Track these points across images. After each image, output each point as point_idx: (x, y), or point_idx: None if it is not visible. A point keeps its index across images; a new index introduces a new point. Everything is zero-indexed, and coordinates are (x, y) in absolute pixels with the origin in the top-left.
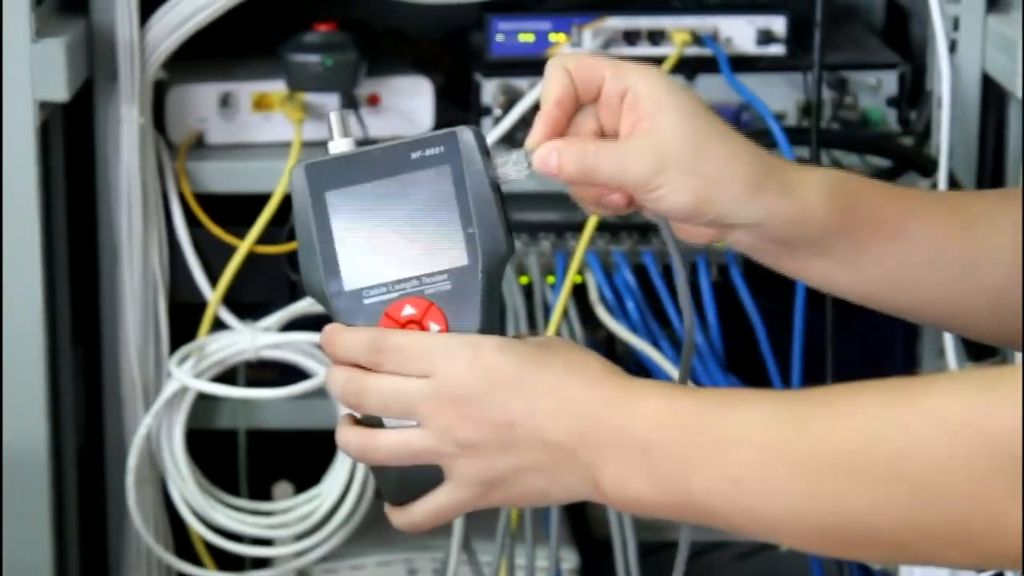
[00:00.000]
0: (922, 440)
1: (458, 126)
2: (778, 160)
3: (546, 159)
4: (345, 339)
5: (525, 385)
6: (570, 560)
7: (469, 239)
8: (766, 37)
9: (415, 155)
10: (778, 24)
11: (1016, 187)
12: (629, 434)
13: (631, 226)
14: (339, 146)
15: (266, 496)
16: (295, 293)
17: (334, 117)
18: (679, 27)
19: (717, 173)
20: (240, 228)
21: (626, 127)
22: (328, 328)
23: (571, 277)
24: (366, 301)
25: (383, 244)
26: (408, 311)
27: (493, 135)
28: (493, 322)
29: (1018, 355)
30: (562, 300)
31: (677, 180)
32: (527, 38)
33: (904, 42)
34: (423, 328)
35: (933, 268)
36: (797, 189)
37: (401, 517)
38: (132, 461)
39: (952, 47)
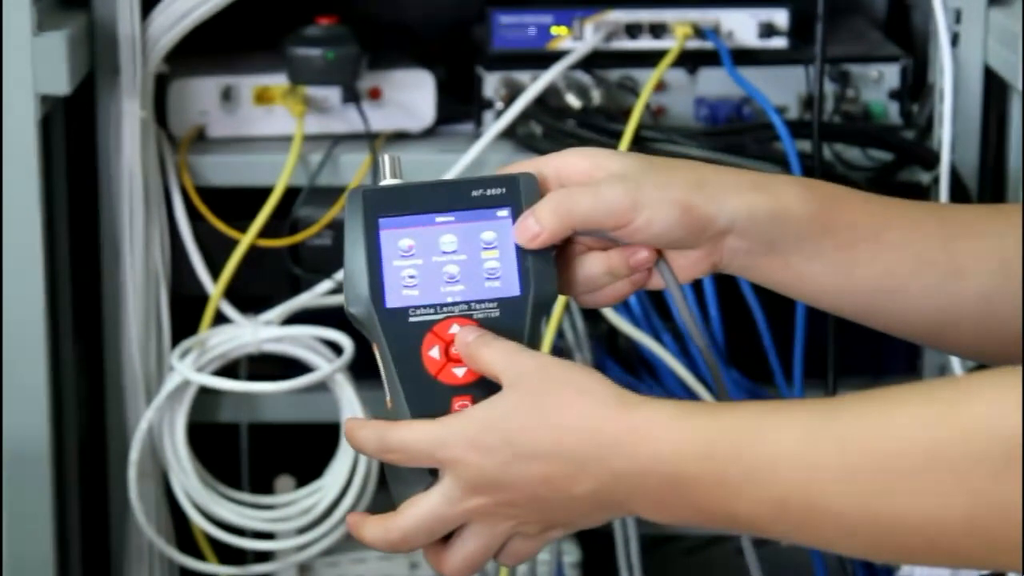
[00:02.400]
0: (981, 452)
1: (519, 172)
2: (739, 168)
3: (524, 224)
4: (357, 436)
5: (526, 459)
6: (572, 554)
7: (523, 273)
8: (768, 30)
9: (476, 193)
10: (780, 17)
11: (1001, 204)
12: (652, 475)
13: None
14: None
15: (268, 490)
16: (297, 287)
17: (386, 159)
18: (681, 20)
19: (690, 181)
20: (242, 222)
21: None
22: (348, 422)
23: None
24: (411, 319)
25: (433, 269)
26: (456, 330)
27: (495, 129)
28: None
29: None
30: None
31: (656, 196)
32: (529, 32)
33: (906, 35)
34: None
35: (918, 274)
36: (770, 184)
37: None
38: (134, 455)
39: (954, 40)
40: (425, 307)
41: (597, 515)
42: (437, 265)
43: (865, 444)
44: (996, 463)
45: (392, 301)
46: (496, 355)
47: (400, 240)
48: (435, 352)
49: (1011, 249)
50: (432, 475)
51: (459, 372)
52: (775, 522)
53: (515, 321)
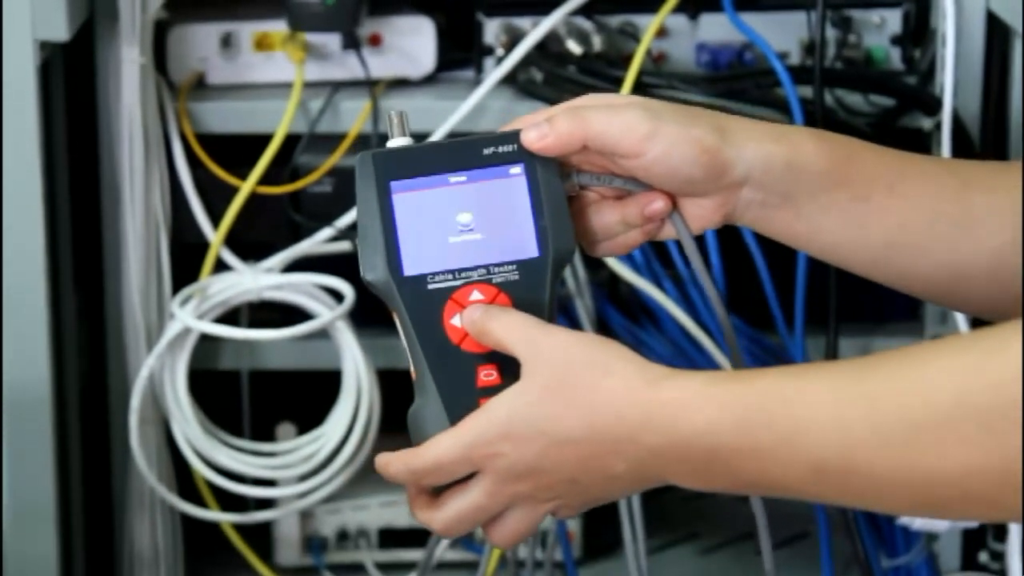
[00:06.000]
0: (1011, 402)
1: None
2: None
3: (537, 128)
4: (389, 474)
5: (563, 440)
6: None
7: (541, 233)
8: None
9: (487, 151)
10: None
11: (1012, 161)
12: (688, 447)
13: None
14: (399, 143)
15: (269, 437)
16: (297, 234)
17: (394, 117)
18: None
19: (710, 124)
20: (242, 169)
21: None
22: (377, 459)
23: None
24: (430, 286)
25: (449, 233)
26: (476, 296)
27: (495, 75)
28: (553, 315)
29: None
30: None
31: (676, 131)
32: None
33: None
34: None
35: (932, 229)
36: (786, 135)
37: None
38: (135, 402)
39: None
40: (443, 273)
41: (636, 488)
42: (453, 228)
43: (895, 400)
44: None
45: (409, 268)
46: (507, 330)
47: (414, 203)
48: (457, 320)
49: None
50: None
51: None
52: (813, 485)
53: (536, 283)
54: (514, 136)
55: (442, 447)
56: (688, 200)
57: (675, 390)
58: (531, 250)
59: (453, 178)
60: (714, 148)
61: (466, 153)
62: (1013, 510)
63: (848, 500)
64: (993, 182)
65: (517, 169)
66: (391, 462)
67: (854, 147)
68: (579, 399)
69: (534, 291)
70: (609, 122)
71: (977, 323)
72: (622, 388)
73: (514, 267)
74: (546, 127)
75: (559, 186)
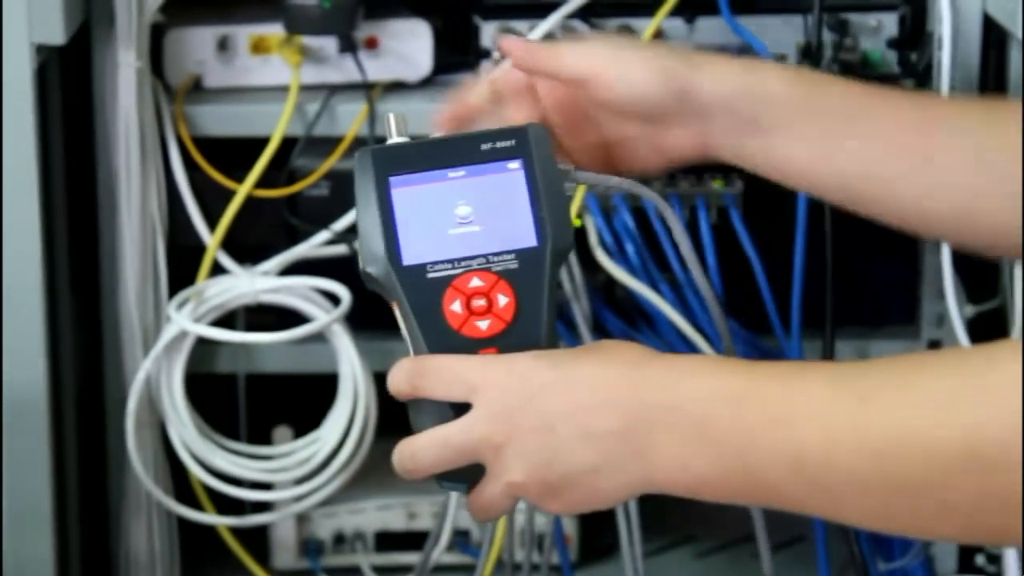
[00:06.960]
0: (998, 417)
1: (528, 123)
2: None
3: (508, 38)
4: (392, 373)
5: (561, 383)
6: None
7: (539, 223)
8: None
9: (485, 146)
10: None
11: (981, 100)
12: (681, 411)
13: None
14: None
15: (266, 440)
16: (294, 237)
17: (392, 118)
18: None
19: (677, 54)
20: (239, 172)
21: None
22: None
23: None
24: (430, 275)
25: (448, 224)
26: (476, 283)
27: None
28: (553, 308)
29: None
30: None
31: (642, 58)
32: None
33: None
34: (491, 300)
35: (895, 160)
36: (754, 66)
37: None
38: (132, 405)
39: None
40: (443, 262)
41: (607, 479)
42: (452, 220)
43: (884, 401)
44: (1007, 438)
45: (409, 258)
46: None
47: (413, 197)
48: (457, 306)
49: (989, 147)
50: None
51: (482, 325)
52: (791, 475)
53: (535, 272)
54: (512, 132)
55: (453, 358)
56: (663, 130)
57: (678, 358)
58: (530, 240)
59: (452, 173)
60: (681, 74)
61: (464, 149)
62: (997, 530)
63: (826, 500)
64: (954, 122)
65: (515, 164)
66: (397, 363)
67: (822, 80)
68: (588, 358)
69: (533, 280)
70: (580, 53)
71: (976, 325)
72: (629, 353)
73: (513, 256)
74: (523, 41)
75: (557, 180)
